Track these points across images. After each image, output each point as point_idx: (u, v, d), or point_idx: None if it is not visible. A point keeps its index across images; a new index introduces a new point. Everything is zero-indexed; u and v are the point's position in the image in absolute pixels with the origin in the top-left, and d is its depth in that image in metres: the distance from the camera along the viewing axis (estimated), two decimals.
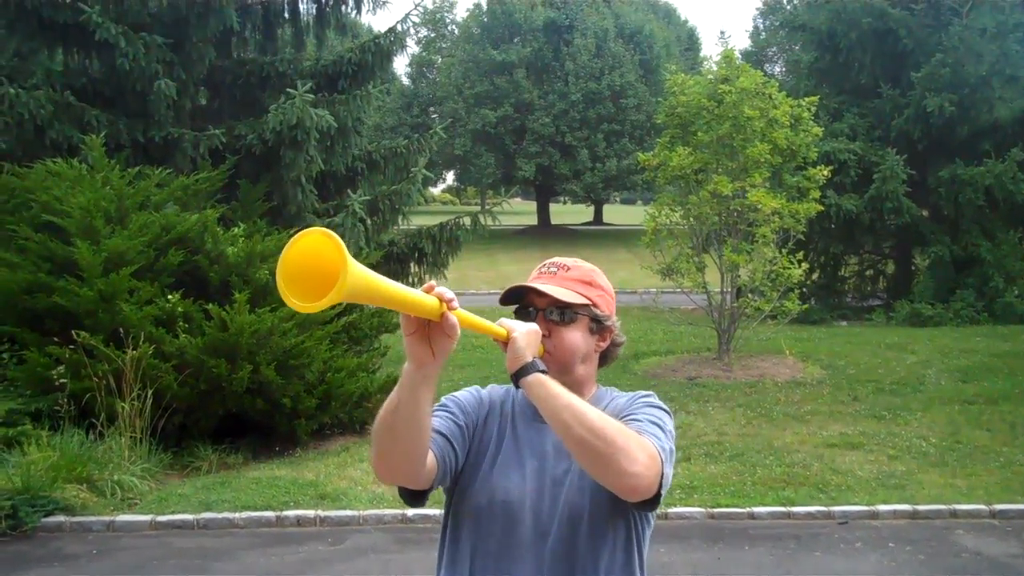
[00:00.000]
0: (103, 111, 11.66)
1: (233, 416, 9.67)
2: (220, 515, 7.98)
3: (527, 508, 2.24)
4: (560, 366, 2.26)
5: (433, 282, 2.00)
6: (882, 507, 8.07)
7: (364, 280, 1.75)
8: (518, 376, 2.10)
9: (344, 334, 10.71)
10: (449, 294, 1.97)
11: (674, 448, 2.23)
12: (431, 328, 2.00)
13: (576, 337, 2.31)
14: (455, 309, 1.98)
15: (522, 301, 2.36)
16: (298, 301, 1.75)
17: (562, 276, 2.37)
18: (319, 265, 1.74)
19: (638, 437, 2.08)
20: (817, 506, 8.13)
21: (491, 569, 2.24)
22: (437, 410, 2.31)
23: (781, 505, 8.15)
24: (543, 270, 2.40)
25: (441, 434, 2.24)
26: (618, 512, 2.23)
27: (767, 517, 8.01)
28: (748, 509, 8.09)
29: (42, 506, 7.77)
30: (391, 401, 2.08)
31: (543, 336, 2.25)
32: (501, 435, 2.35)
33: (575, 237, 42.30)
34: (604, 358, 2.44)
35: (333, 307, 9.46)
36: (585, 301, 2.34)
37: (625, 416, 2.21)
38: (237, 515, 7.97)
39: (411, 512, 7.90)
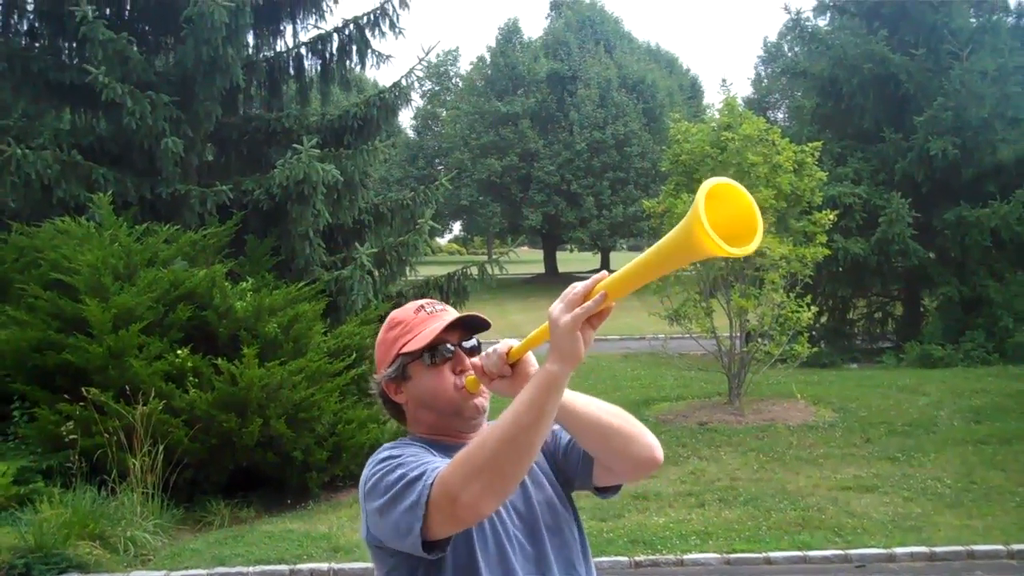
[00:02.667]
0: (110, 169, 11.75)
1: (244, 470, 9.66)
2: (233, 569, 7.94)
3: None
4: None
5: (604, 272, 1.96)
6: (899, 550, 8.01)
7: None
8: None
9: (353, 386, 10.70)
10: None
11: None
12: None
13: None
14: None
15: (447, 339, 2.27)
16: (728, 245, 1.71)
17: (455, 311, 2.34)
18: (729, 211, 1.76)
19: None
20: (833, 550, 8.07)
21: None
22: None
23: (797, 549, 8.09)
24: (436, 312, 2.31)
25: None
26: (569, 506, 2.35)
27: (783, 562, 7.95)
28: (764, 554, 8.03)
29: (55, 564, 7.74)
30: (532, 414, 1.92)
31: (467, 372, 2.25)
32: None
33: None
34: None
35: (343, 359, 9.43)
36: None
37: None
38: (250, 569, 7.94)
39: None
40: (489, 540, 2.17)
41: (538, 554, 2.23)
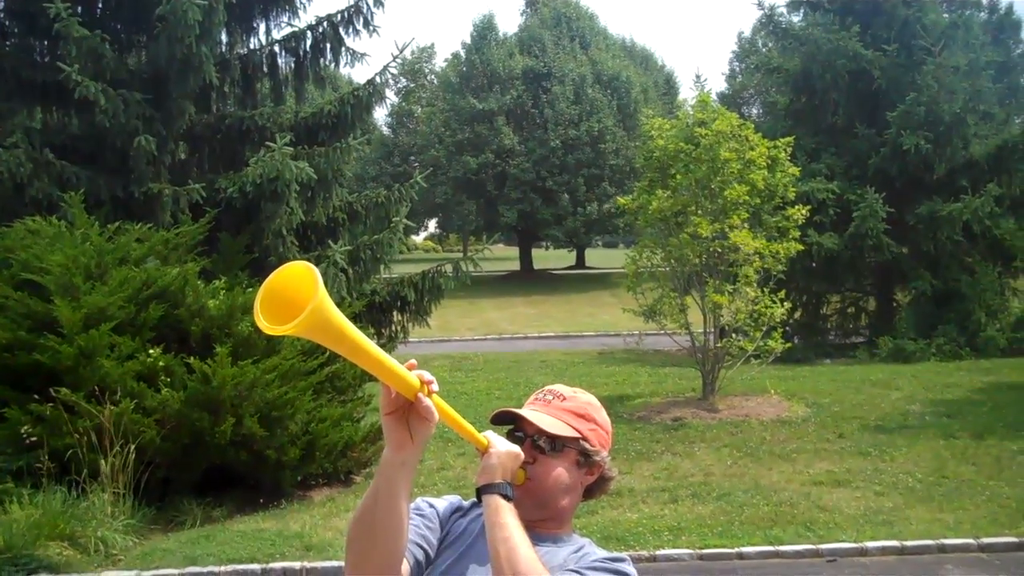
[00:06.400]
0: (83, 168, 11.64)
1: (217, 469, 9.62)
2: (205, 569, 7.92)
3: None
4: (540, 495, 2.23)
5: (414, 361, 1.99)
6: (870, 544, 8.07)
7: (335, 319, 1.75)
8: (481, 491, 2.10)
9: (328, 384, 10.67)
10: (429, 376, 1.96)
11: None
12: (410, 410, 1.98)
13: (560, 469, 2.26)
14: (433, 393, 1.97)
15: (516, 423, 2.32)
16: (267, 323, 1.74)
17: (556, 406, 2.32)
18: (297, 297, 1.74)
19: None
20: (805, 544, 8.13)
21: None
22: (413, 514, 2.22)
23: (769, 544, 8.14)
24: (539, 396, 2.36)
25: (416, 543, 2.19)
26: None
27: (755, 557, 8.00)
28: (736, 549, 8.08)
29: (24, 565, 7.70)
30: (368, 496, 2.03)
31: (527, 463, 2.22)
32: (476, 534, 2.28)
33: (558, 281, 42.34)
34: (592, 491, 2.38)
35: (317, 358, 9.39)
36: (575, 434, 2.28)
37: (570, 570, 2.15)
38: (222, 569, 7.92)
39: None
40: None
41: None
